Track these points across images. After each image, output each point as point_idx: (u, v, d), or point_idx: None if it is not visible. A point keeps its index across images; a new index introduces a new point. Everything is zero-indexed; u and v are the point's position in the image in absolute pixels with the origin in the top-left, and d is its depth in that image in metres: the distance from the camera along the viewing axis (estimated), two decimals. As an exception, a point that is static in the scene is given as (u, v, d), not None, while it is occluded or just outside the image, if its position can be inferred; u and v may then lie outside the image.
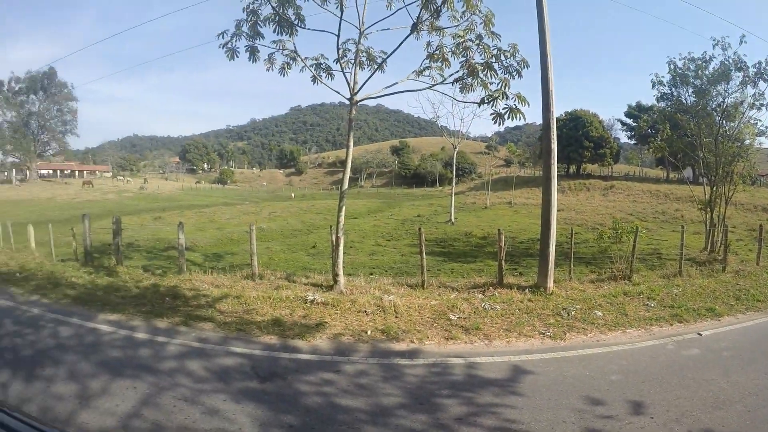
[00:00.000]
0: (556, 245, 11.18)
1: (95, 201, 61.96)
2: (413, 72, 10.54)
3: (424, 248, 11.62)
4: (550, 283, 10.73)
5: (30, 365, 6.53)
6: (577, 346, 7.55)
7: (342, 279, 10.85)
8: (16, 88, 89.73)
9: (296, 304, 9.34)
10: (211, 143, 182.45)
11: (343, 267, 11.16)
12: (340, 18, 10.14)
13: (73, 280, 12.32)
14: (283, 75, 10.77)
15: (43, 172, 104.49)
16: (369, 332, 7.97)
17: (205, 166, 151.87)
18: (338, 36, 10.31)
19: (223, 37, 9.92)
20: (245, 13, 9.81)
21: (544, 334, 8.04)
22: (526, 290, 10.57)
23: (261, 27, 9.97)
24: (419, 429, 4.90)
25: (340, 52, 10.67)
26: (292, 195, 79.53)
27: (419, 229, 12.78)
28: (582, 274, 14.11)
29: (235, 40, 10.00)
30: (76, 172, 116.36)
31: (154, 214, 39.81)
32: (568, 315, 8.97)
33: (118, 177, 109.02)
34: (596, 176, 76.67)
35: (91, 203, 58.08)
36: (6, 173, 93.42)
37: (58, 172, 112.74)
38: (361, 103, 10.94)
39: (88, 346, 7.47)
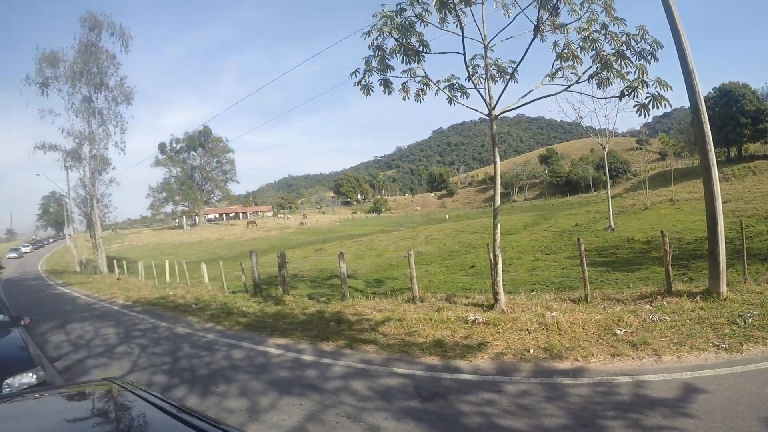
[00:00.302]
0: (726, 242, 9.73)
1: (260, 238, 67.19)
2: (546, 76, 10.06)
3: (584, 259, 10.92)
4: (723, 287, 9.36)
5: (206, 383, 7.29)
6: (756, 359, 6.39)
7: (502, 297, 10.40)
8: (177, 148, 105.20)
9: (457, 325, 9.14)
10: (362, 175, 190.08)
11: (503, 285, 10.73)
12: (462, 36, 9.96)
13: (244, 309, 13.32)
14: (419, 101, 10.70)
15: (210, 216, 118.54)
16: (531, 351, 7.57)
17: (359, 197, 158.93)
18: (464, 54, 10.16)
19: (355, 76, 10.13)
20: (371, 49, 9.94)
21: (718, 346, 6.94)
22: (697, 297, 9.28)
23: (389, 60, 10.08)
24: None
25: (470, 69, 10.46)
26: (446, 216, 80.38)
27: (578, 239, 11.94)
28: (759, 273, 12.20)
29: (368, 76, 10.15)
30: (240, 214, 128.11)
31: (315, 247, 42.00)
32: (745, 323, 7.68)
33: (279, 215, 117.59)
34: (761, 156, 65.98)
35: (256, 240, 62.96)
36: (177, 220, 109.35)
37: (224, 215, 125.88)
38: (501, 116, 10.62)
39: (258, 366, 8.02)
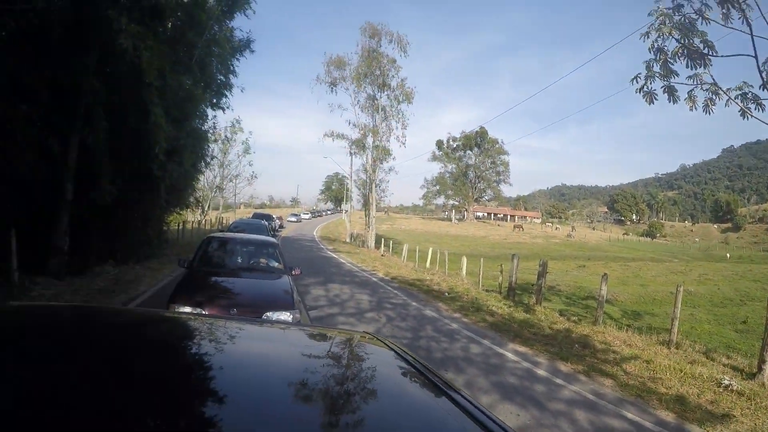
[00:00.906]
0: None
1: (523, 243, 66.91)
2: None
3: None
4: None
5: (436, 365, 7.54)
6: None
7: (769, 369, 8.73)
8: (454, 146, 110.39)
9: (707, 386, 7.91)
10: (639, 192, 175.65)
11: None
12: (751, 34, 8.50)
13: (494, 308, 13.57)
14: (708, 113, 9.37)
15: (478, 214, 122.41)
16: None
17: (634, 217, 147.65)
18: (755, 56, 8.60)
19: (636, 82, 9.35)
20: (651, 52, 9.05)
21: None
22: None
23: (672, 64, 9.01)
24: None
25: (764, 75, 8.78)
26: (728, 255, 69.53)
27: None
28: None
29: (650, 82, 9.28)
30: (508, 216, 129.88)
31: (578, 262, 40.34)
32: None
33: (547, 223, 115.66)
34: None
35: (519, 245, 62.79)
36: (447, 213, 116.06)
37: (492, 215, 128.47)
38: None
39: (491, 366, 8.11)
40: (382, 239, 37.57)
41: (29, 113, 9.25)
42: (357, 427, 1.22)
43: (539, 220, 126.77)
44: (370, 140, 40.24)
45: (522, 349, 9.51)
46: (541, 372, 8.02)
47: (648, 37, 8.94)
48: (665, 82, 9.22)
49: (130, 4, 11.62)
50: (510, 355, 8.92)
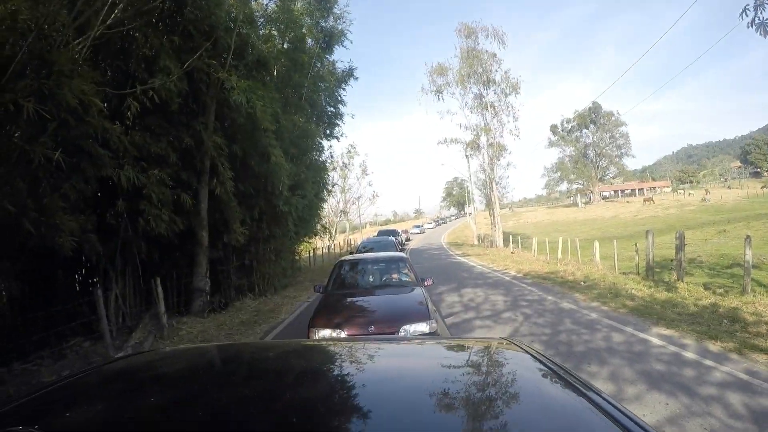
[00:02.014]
0: None
1: (656, 216, 62.75)
2: None
3: None
4: None
5: (579, 359, 7.63)
6: None
7: None
8: (569, 128, 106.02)
9: None
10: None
11: None
12: None
13: (633, 292, 13.12)
14: None
15: (605, 193, 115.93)
16: None
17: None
18: None
19: (746, 14, 8.75)
20: None
21: None
22: None
23: None
24: None
25: None
26: None
27: None
28: None
29: (760, 11, 8.65)
30: (636, 191, 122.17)
31: (717, 228, 37.04)
32: None
33: (678, 190, 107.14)
34: None
35: (652, 219, 59.13)
36: (572, 198, 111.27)
37: (619, 192, 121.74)
38: None
39: (635, 354, 7.85)
40: (510, 236, 37.19)
41: (161, 176, 10.25)
42: (498, 431, 1.28)
43: (669, 189, 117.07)
44: (483, 139, 40.22)
45: (667, 332, 9.11)
46: (688, 355, 7.63)
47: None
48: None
49: (236, 63, 12.66)
50: (654, 340, 8.57)
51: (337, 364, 2.02)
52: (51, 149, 6.10)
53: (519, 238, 36.76)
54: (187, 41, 11.50)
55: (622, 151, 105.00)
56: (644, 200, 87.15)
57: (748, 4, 8.66)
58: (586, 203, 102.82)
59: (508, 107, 39.29)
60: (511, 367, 1.93)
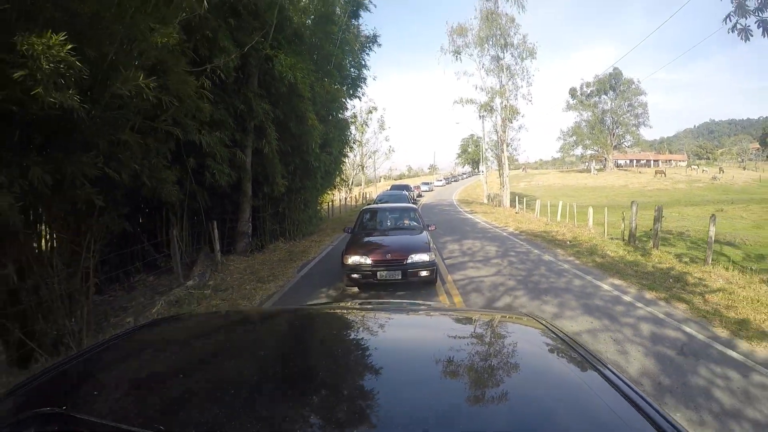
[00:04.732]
0: None
1: (664, 190, 64.14)
2: None
3: None
4: None
5: (538, 293, 10.25)
6: None
7: None
8: (588, 92, 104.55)
9: None
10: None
11: None
12: None
13: (608, 252, 15.27)
14: None
15: (620, 162, 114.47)
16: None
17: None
18: None
19: (729, 20, 9.05)
20: None
21: None
22: None
23: None
24: None
25: None
26: None
27: None
28: None
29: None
30: (651, 162, 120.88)
31: (718, 207, 38.37)
32: None
33: (693, 166, 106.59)
34: None
35: (660, 192, 60.61)
36: (586, 164, 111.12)
37: (634, 161, 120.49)
38: None
39: (585, 293, 10.19)
40: (517, 197, 38.60)
41: (221, 137, 12.49)
42: (502, 399, 1.36)
43: (685, 163, 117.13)
44: (497, 101, 41.33)
45: (618, 282, 11.27)
46: (626, 298, 9.75)
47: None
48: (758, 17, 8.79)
49: (277, 36, 14.76)
50: (605, 287, 10.78)
51: (364, 333, 2.07)
52: (169, 125, 8.46)
53: (525, 199, 38.20)
54: (239, 21, 13.34)
55: (640, 120, 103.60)
56: (656, 172, 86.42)
57: (731, 12, 9.02)
58: (599, 170, 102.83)
59: (523, 71, 40.42)
60: (521, 338, 2.03)
